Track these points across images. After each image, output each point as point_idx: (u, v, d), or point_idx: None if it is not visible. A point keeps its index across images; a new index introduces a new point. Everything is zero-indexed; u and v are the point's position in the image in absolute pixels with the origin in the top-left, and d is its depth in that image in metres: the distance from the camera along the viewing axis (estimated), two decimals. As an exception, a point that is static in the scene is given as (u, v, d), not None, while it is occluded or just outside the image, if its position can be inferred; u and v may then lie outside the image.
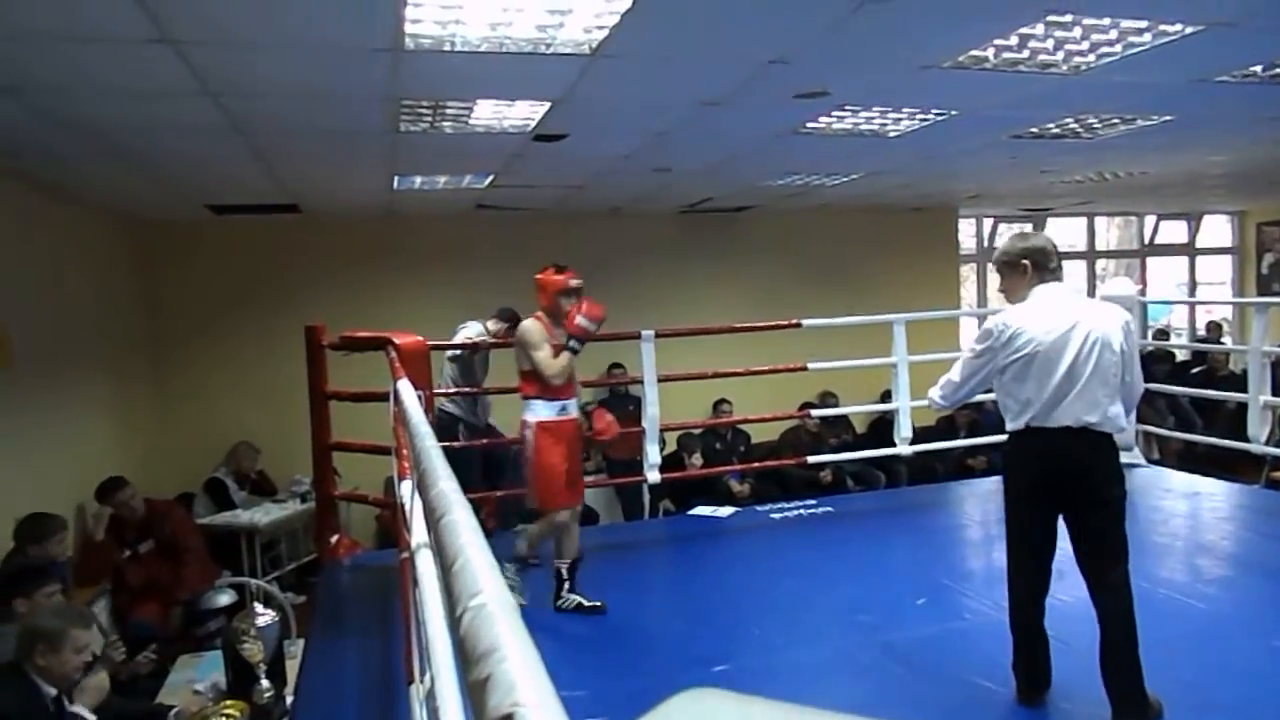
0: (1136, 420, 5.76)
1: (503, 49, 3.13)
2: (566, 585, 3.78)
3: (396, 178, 5.67)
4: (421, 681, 1.82)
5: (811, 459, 6.33)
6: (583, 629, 3.65)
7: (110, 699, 3.46)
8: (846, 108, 4.32)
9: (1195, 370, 8.97)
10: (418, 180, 5.82)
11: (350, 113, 3.95)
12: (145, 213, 6.71)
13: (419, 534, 1.67)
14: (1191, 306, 11.34)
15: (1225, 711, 2.75)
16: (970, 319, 8.33)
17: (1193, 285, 11.38)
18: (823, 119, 4.53)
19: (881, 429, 7.51)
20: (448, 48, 3.08)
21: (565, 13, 2.84)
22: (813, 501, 5.54)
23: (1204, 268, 11.44)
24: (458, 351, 5.65)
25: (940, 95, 4.15)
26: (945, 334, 7.85)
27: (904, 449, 5.67)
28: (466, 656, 0.61)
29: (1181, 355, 9.72)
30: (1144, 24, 3.20)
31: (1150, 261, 11.23)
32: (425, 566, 1.46)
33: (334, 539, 4.81)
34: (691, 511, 5.57)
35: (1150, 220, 11.04)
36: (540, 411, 3.65)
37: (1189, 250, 11.33)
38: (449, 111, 4.03)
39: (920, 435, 5.99)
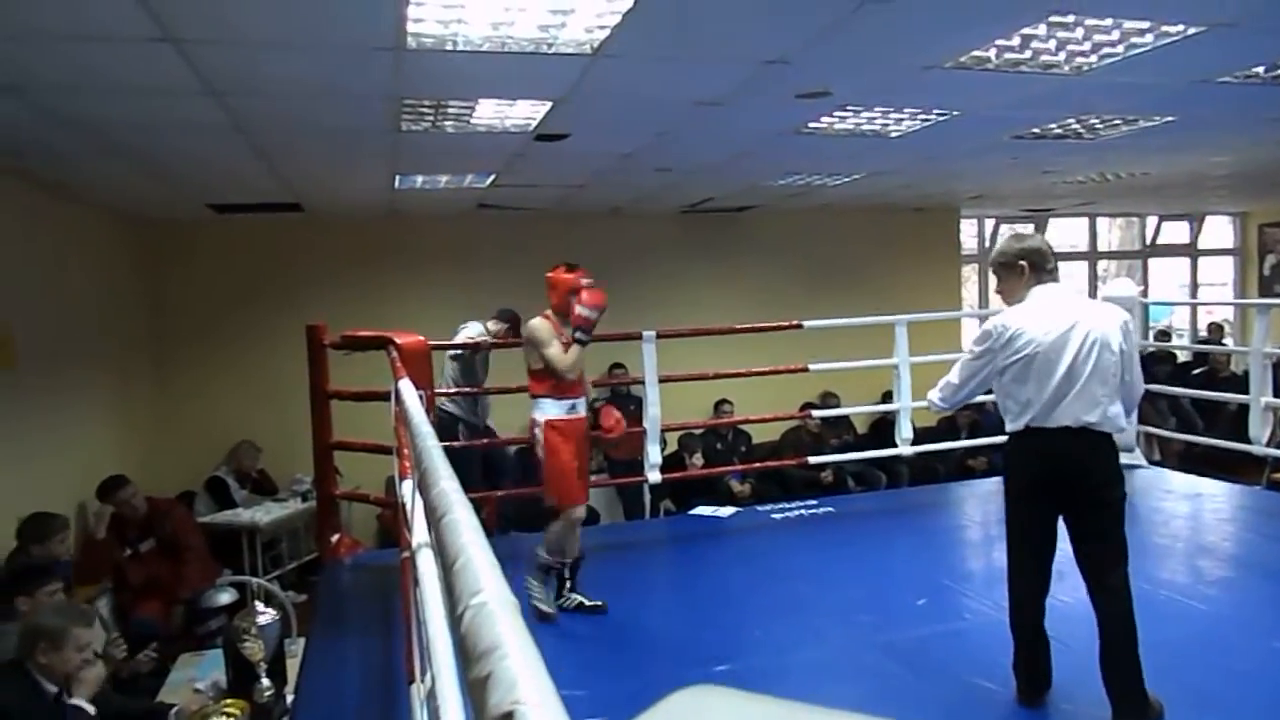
0: (1138, 421, 5.76)
1: (504, 48, 3.13)
2: (568, 585, 3.78)
3: (398, 177, 5.67)
4: (422, 680, 1.82)
5: (812, 459, 6.34)
6: (584, 628, 3.65)
7: (110, 696, 3.47)
8: (848, 108, 4.32)
9: (1197, 371, 8.96)
10: (419, 179, 5.82)
11: (352, 112, 3.95)
12: (147, 212, 6.72)
13: (420, 533, 1.67)
14: (1193, 308, 11.34)
15: (1226, 712, 2.75)
16: (972, 320, 8.32)
17: (1194, 286, 11.37)
18: (824, 119, 4.53)
19: (883, 429, 7.51)
20: (449, 47, 3.08)
21: (567, 12, 2.84)
22: (814, 502, 5.54)
23: (1206, 269, 11.44)
24: (459, 351, 5.65)
25: (942, 95, 4.15)
26: (947, 335, 7.84)
27: (905, 449, 5.67)
28: (467, 655, 0.62)
29: (1183, 356, 9.72)
30: (1146, 24, 3.19)
31: (1152, 262, 11.23)
32: (426, 565, 1.46)
33: (335, 538, 4.81)
34: (692, 511, 5.57)
35: (1152, 221, 11.03)
36: (550, 410, 3.65)
37: (1191, 251, 11.32)
38: (451, 111, 4.03)
39: (921, 436, 5.99)
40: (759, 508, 5.62)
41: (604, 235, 7.91)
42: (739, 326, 5.89)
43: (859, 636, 3.43)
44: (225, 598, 4.76)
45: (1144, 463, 5.92)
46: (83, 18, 2.65)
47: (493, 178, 5.82)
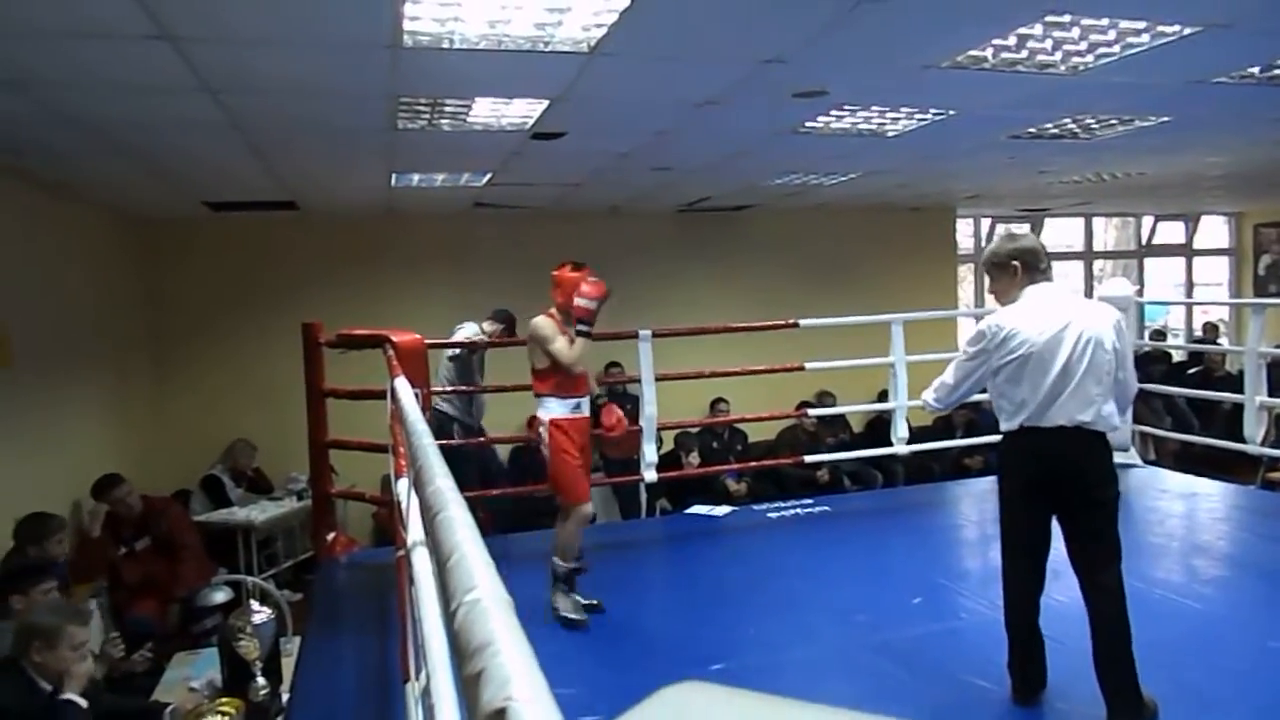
0: (1133, 420, 5.78)
1: (501, 47, 3.13)
2: (552, 577, 3.77)
3: (394, 175, 5.67)
4: (417, 679, 1.82)
5: (808, 458, 6.33)
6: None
7: (103, 695, 3.46)
8: (845, 107, 4.33)
9: (1192, 371, 8.98)
10: (415, 178, 5.82)
11: (348, 110, 3.94)
12: (144, 210, 6.70)
13: (415, 531, 1.67)
14: (1188, 307, 11.37)
15: (1221, 711, 2.76)
16: (968, 319, 8.32)
17: (1190, 286, 11.41)
18: (821, 118, 4.53)
19: (878, 428, 7.53)
20: (446, 45, 3.08)
21: (564, 11, 2.84)
22: (809, 501, 5.54)
23: (1201, 269, 11.47)
24: (455, 352, 5.64)
25: (938, 95, 4.15)
26: (943, 334, 7.86)
27: (901, 448, 5.68)
28: (461, 651, 0.62)
29: (1178, 356, 9.74)
30: (1142, 25, 3.20)
31: (1148, 262, 11.26)
32: (421, 563, 1.45)
33: (330, 536, 4.80)
34: (688, 510, 5.57)
35: (1148, 221, 11.06)
36: (554, 409, 3.64)
37: (1186, 251, 11.35)
38: (447, 109, 4.02)
39: (917, 435, 5.99)
40: (755, 507, 5.62)
41: (601, 234, 7.90)
42: (735, 325, 5.90)
43: (854, 635, 3.43)
44: (220, 596, 4.75)
45: (1139, 462, 5.93)
46: (79, 15, 2.64)
47: (489, 176, 5.82)
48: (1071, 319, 2.70)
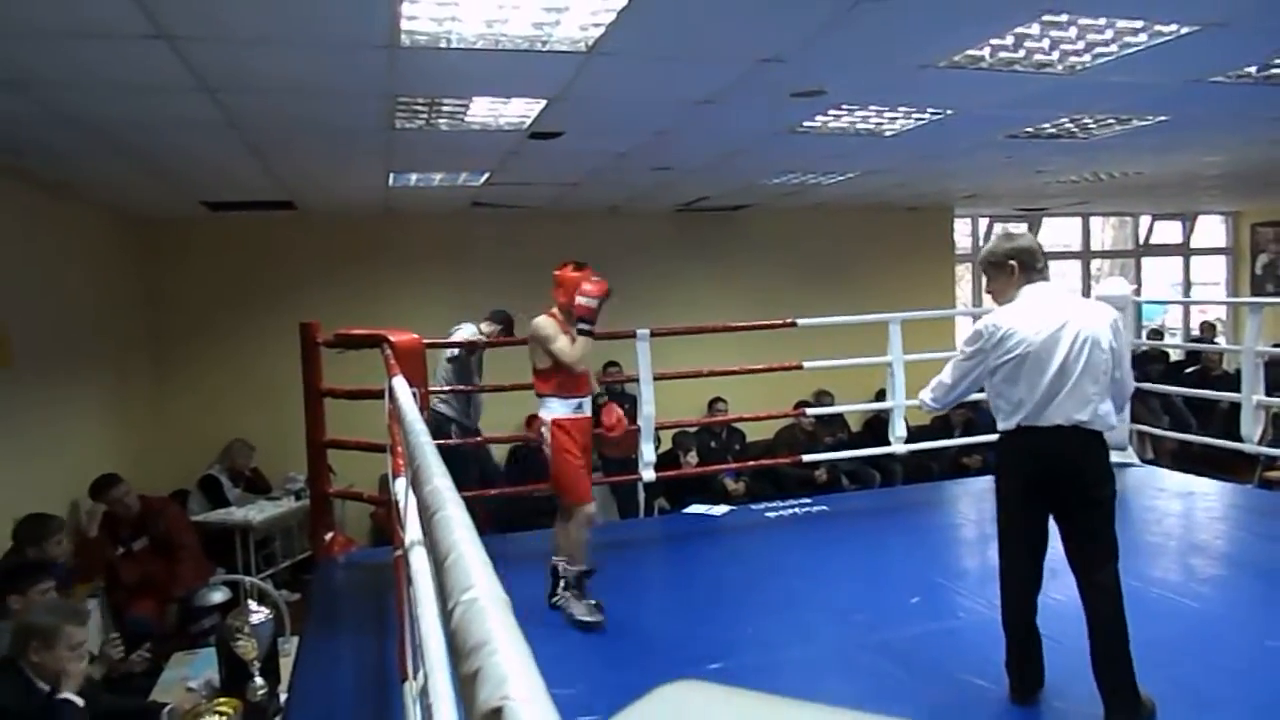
0: (1131, 419, 5.78)
1: (499, 46, 3.13)
2: (563, 582, 3.77)
3: (392, 175, 5.66)
4: (415, 678, 1.82)
5: (806, 457, 6.33)
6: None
7: (101, 695, 3.46)
8: (843, 106, 4.33)
9: (1189, 370, 9.00)
10: (413, 177, 5.82)
11: (346, 109, 3.94)
12: (144, 210, 6.70)
13: (413, 531, 1.67)
14: (1186, 307, 11.38)
15: (1218, 710, 2.76)
16: (965, 318, 8.33)
17: (1187, 285, 11.42)
18: (819, 118, 4.53)
19: (876, 428, 7.54)
20: (443, 45, 3.08)
21: (561, 10, 2.84)
22: (807, 500, 5.55)
23: (1198, 268, 11.49)
24: (454, 353, 5.64)
25: (936, 95, 4.15)
26: (940, 333, 7.87)
27: (899, 448, 5.68)
28: (457, 650, 0.62)
29: (1176, 355, 9.75)
30: (1139, 24, 3.20)
31: (1145, 262, 11.27)
32: (419, 563, 1.46)
33: (328, 536, 4.80)
34: (686, 510, 5.57)
35: (1145, 220, 11.07)
36: (556, 409, 3.64)
37: (1183, 250, 11.36)
38: (445, 108, 4.02)
39: (915, 434, 6.00)
40: (753, 506, 5.62)
41: (599, 233, 7.90)
42: (733, 325, 5.90)
43: (852, 634, 3.44)
44: (218, 596, 4.75)
45: (1137, 461, 5.94)
46: (79, 15, 2.64)
47: (487, 176, 5.82)
48: (1068, 318, 2.70)
